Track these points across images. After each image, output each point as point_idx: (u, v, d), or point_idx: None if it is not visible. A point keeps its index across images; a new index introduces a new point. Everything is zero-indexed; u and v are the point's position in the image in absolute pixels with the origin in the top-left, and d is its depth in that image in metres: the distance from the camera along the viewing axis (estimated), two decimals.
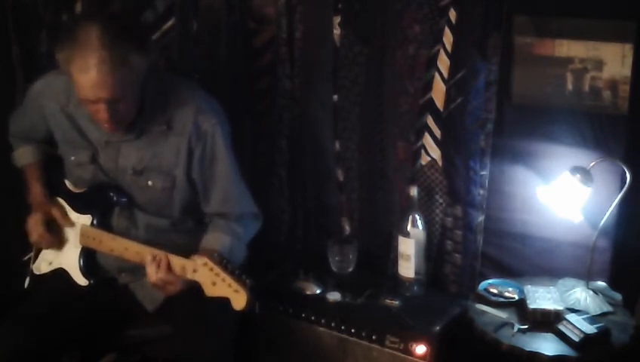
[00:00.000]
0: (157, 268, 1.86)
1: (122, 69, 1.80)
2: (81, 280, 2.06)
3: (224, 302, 1.76)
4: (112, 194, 2.05)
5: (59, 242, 2.11)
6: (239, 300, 1.73)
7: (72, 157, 2.10)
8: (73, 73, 1.81)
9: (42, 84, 2.13)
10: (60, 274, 2.09)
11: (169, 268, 1.85)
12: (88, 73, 1.78)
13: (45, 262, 2.14)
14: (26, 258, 2.19)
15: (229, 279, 1.73)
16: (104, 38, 1.78)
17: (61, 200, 2.12)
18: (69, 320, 2.01)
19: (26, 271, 2.18)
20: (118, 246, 1.97)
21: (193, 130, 1.99)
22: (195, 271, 1.79)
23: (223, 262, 1.77)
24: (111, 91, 1.81)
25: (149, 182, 2.03)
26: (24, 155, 2.22)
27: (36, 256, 2.17)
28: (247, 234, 2.09)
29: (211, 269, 1.76)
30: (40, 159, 2.21)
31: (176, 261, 1.85)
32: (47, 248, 2.13)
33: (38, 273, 2.15)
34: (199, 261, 1.78)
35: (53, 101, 2.08)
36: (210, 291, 1.77)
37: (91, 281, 2.06)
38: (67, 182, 2.14)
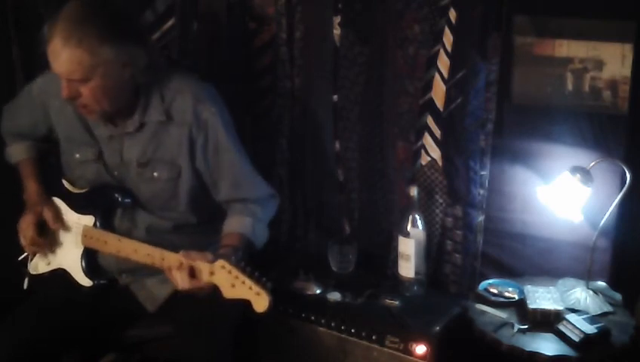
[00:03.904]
0: (185, 276, 1.80)
1: (78, 50, 1.80)
2: (85, 281, 2.05)
3: (224, 302, 1.76)
4: (117, 195, 2.04)
5: (52, 245, 2.10)
6: (261, 303, 1.72)
7: (77, 155, 2.08)
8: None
9: (44, 81, 2.13)
10: (60, 274, 2.09)
11: (192, 274, 1.80)
12: (50, 42, 1.81)
13: (43, 262, 2.14)
14: (21, 258, 2.18)
15: (249, 281, 1.72)
16: (74, 14, 1.80)
17: (59, 201, 2.11)
18: (69, 320, 2.01)
19: (23, 272, 2.18)
20: (126, 248, 1.95)
21: (193, 119, 1.98)
22: (212, 273, 1.77)
23: (241, 264, 1.76)
24: (64, 67, 1.82)
25: (155, 174, 2.02)
26: (18, 151, 2.21)
27: (32, 256, 2.16)
28: (265, 214, 2.09)
29: (230, 272, 1.74)
30: (35, 156, 2.20)
31: (195, 265, 1.81)
32: (37, 251, 2.12)
33: (34, 273, 2.15)
34: (217, 264, 1.76)
35: (56, 98, 2.06)
36: (229, 293, 1.75)
37: (95, 282, 2.05)
38: (65, 182, 2.13)
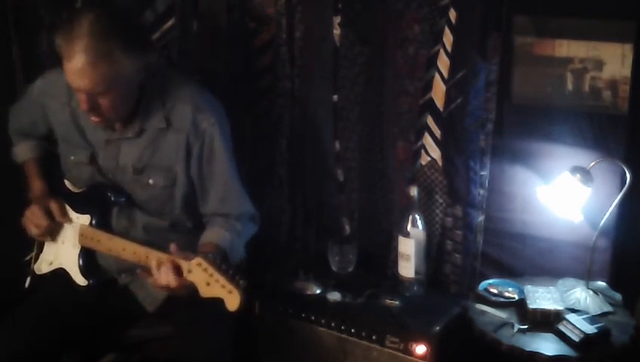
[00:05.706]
0: (165, 272, 1.80)
1: (103, 64, 1.79)
2: (81, 280, 2.06)
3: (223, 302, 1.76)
4: (109, 194, 2.04)
5: (54, 243, 2.11)
6: (232, 301, 1.71)
7: (72, 157, 2.10)
8: (62, 58, 1.82)
9: (43, 83, 2.14)
10: (60, 274, 2.09)
11: (178, 272, 1.80)
12: (72, 60, 1.79)
13: (46, 262, 2.14)
14: (27, 258, 2.19)
15: (222, 279, 1.72)
16: (94, 28, 1.78)
17: (61, 200, 2.11)
18: (69, 320, 2.01)
19: (27, 271, 2.18)
20: (116, 247, 1.96)
21: (191, 128, 1.98)
22: (189, 271, 1.77)
23: (217, 262, 1.76)
24: (90, 82, 1.81)
25: (150, 181, 2.03)
26: (24, 151, 2.22)
27: (37, 256, 2.16)
28: (245, 233, 2.08)
29: (205, 269, 1.74)
30: (40, 156, 2.21)
31: (176, 262, 1.82)
32: (45, 237, 2.11)
33: (39, 273, 2.15)
34: (193, 261, 1.76)
35: (55, 99, 2.08)
36: (205, 292, 1.76)
37: (91, 281, 2.05)
38: (67, 182, 2.14)
